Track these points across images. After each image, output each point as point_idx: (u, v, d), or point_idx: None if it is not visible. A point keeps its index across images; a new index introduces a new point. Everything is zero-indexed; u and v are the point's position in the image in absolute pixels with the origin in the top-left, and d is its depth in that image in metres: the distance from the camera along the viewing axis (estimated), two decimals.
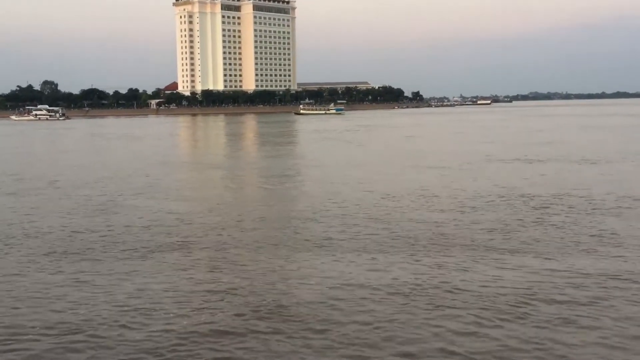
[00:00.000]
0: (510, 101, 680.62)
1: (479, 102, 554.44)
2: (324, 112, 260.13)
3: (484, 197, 34.94)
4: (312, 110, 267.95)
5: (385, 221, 28.81)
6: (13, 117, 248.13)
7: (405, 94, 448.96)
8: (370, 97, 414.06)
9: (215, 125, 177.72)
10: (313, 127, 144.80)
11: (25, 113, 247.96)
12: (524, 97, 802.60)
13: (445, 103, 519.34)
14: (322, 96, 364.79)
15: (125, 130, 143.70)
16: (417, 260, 21.95)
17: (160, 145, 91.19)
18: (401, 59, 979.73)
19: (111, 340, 15.27)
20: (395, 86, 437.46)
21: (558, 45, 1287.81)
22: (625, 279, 19.39)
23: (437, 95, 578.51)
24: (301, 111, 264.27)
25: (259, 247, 24.53)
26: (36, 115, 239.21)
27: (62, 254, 23.78)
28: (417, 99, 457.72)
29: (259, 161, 64.45)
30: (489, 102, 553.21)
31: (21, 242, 26.01)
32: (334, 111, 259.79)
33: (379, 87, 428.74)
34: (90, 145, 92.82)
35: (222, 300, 18.12)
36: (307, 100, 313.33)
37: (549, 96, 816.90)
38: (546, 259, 21.90)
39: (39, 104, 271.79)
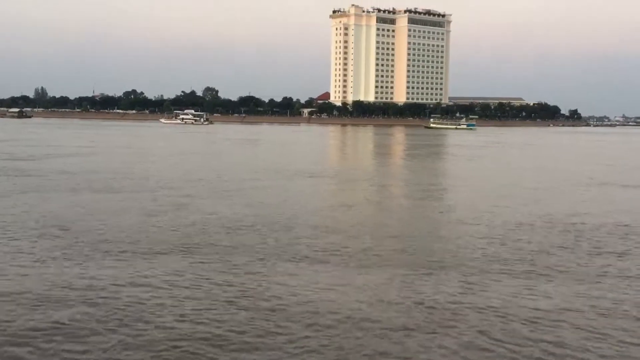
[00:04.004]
0: None
1: None
2: (454, 127, 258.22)
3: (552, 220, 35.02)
4: (443, 124, 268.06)
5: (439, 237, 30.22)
6: (162, 120, 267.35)
7: (562, 112, 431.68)
8: (524, 114, 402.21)
9: (358, 135, 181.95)
10: (440, 141, 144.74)
11: (173, 117, 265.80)
12: None
13: (605, 123, 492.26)
14: (474, 111, 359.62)
15: (261, 136, 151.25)
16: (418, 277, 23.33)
17: (285, 153, 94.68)
18: (558, 74, 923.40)
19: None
20: (551, 103, 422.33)
21: None
22: None
23: (597, 114, 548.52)
24: (431, 125, 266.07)
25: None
26: (182, 119, 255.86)
27: (114, 248, 27.47)
28: (574, 118, 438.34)
29: (379, 175, 66.53)
30: None
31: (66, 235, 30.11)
32: (464, 126, 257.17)
33: (533, 104, 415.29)
34: (217, 149, 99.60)
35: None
36: (440, 115, 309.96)
37: None
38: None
39: (200, 110, 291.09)
